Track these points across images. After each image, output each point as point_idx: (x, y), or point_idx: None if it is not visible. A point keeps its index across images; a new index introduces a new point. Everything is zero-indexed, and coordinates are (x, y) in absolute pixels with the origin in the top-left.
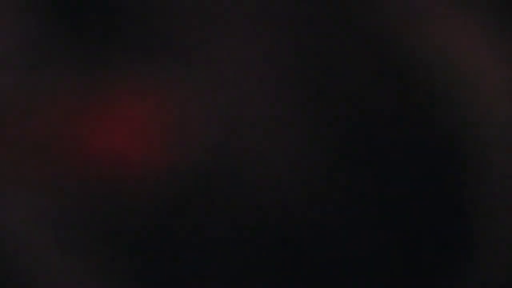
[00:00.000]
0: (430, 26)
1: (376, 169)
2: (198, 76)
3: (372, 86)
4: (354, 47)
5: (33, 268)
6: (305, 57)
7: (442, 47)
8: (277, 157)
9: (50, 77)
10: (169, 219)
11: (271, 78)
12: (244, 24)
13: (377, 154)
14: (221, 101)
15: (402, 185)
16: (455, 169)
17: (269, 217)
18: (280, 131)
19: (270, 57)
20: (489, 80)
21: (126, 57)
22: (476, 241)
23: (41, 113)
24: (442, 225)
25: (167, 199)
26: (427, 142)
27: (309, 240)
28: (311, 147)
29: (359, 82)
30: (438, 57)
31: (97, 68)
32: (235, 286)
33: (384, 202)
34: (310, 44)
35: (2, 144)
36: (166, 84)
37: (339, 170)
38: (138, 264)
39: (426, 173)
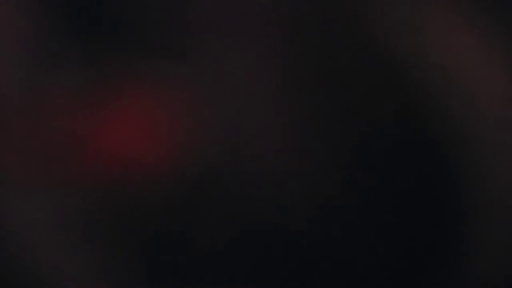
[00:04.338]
0: (428, 32)
1: (375, 172)
2: (201, 77)
3: (371, 89)
4: (352, 50)
5: (41, 268)
6: (305, 60)
7: (439, 52)
8: (279, 157)
9: (53, 78)
10: (173, 218)
11: (272, 78)
12: (245, 24)
13: (376, 156)
14: (224, 101)
15: (400, 187)
16: (453, 171)
17: (272, 217)
18: (283, 131)
19: (271, 58)
20: (486, 83)
21: (130, 58)
22: (474, 243)
23: (48, 114)
24: (440, 227)
25: (171, 199)
26: (424, 144)
27: (310, 240)
28: (312, 148)
29: (357, 86)
30: (435, 62)
31: (101, 70)
32: (239, 285)
33: (382, 204)
34: (310, 48)
35: (9, 144)
36: (169, 85)
37: (340, 171)
38: (144, 263)
39: (424, 175)
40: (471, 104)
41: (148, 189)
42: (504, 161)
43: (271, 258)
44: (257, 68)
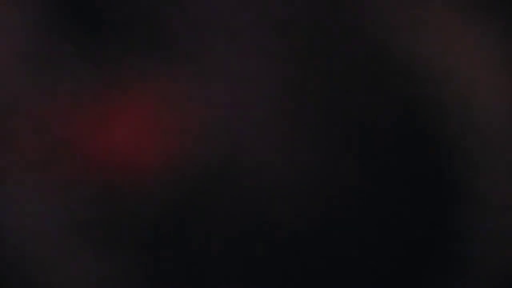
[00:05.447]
0: (428, 31)
1: (375, 171)
2: (201, 77)
3: (370, 89)
4: (352, 51)
5: (41, 268)
6: (305, 60)
7: (440, 52)
8: (279, 157)
9: (54, 78)
10: (173, 218)
11: (273, 78)
12: (245, 24)
13: (375, 156)
14: (224, 101)
15: (399, 187)
16: (453, 171)
17: (272, 217)
18: (283, 132)
19: (271, 58)
20: (486, 83)
21: (130, 58)
22: (474, 243)
23: (48, 114)
24: (439, 227)
25: (171, 199)
26: (424, 144)
27: (310, 240)
28: (312, 148)
29: (357, 86)
30: (435, 61)
31: (101, 69)
32: (239, 285)
33: (382, 204)
34: (310, 48)
35: (9, 144)
36: (169, 85)
37: (339, 171)
38: (144, 263)
39: (423, 175)
40: (471, 103)
41: (148, 189)
42: (504, 160)
43: (271, 258)
44: (257, 68)
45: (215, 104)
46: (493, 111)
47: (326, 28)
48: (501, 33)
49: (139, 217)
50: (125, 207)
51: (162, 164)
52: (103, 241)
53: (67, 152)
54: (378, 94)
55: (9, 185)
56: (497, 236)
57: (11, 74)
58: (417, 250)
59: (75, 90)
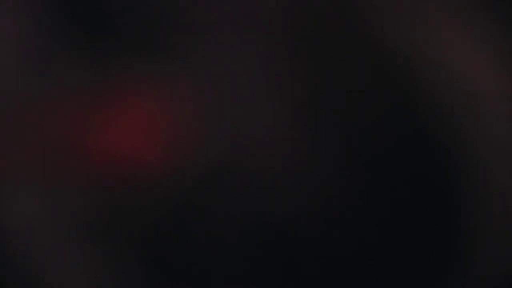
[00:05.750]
0: (428, 31)
1: (375, 171)
2: (201, 77)
3: (370, 88)
4: (352, 50)
5: (41, 268)
6: (305, 60)
7: (440, 52)
8: (279, 157)
9: (54, 78)
10: (173, 218)
11: (273, 78)
12: (245, 24)
13: (375, 156)
14: (224, 101)
15: (400, 187)
16: (453, 171)
17: (272, 217)
18: (283, 131)
19: (271, 58)
20: (486, 82)
21: (130, 58)
22: (474, 243)
23: (48, 114)
24: (439, 227)
25: (171, 199)
26: (424, 144)
27: (310, 239)
28: (312, 147)
29: (357, 85)
30: (435, 61)
31: (101, 69)
32: (239, 285)
33: (382, 203)
34: (310, 47)
35: (9, 144)
36: (169, 85)
37: (339, 171)
38: (144, 263)
39: (424, 175)
40: (471, 103)
41: (148, 189)
42: (504, 160)
43: (272, 258)
44: (257, 68)
45: (216, 104)
46: (493, 111)
47: (326, 28)
48: (501, 33)
49: (139, 217)
50: (125, 206)
51: (162, 164)
52: (103, 241)
53: (67, 152)
54: (378, 94)
55: (9, 185)
56: (497, 236)
57: (11, 74)
58: (417, 250)
59: (75, 90)
